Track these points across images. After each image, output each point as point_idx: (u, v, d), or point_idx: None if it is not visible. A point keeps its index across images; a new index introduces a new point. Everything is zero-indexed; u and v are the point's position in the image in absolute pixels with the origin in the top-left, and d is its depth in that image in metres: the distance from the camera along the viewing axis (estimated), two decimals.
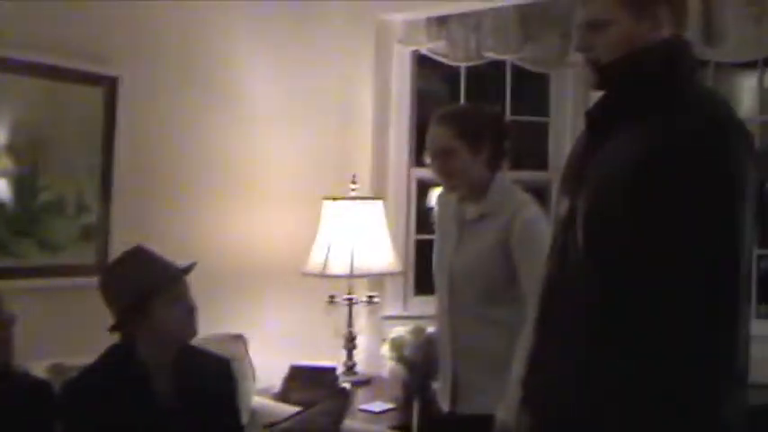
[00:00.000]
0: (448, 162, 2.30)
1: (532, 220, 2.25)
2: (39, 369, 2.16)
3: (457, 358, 2.33)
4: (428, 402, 2.58)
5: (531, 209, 2.30)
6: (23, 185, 2.66)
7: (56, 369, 2.31)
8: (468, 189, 2.35)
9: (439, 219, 2.54)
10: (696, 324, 1.41)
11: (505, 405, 2.10)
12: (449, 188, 2.42)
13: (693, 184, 1.44)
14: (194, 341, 2.22)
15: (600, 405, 1.49)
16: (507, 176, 2.42)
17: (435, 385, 2.55)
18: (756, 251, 2.34)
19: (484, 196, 2.32)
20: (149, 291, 2.03)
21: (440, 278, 2.41)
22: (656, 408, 1.42)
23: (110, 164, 2.89)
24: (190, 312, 2.12)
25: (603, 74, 1.62)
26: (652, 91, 1.57)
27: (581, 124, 1.73)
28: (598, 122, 1.66)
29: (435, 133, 2.34)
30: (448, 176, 2.34)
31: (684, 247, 1.44)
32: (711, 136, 1.47)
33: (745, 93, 3.55)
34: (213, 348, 2.39)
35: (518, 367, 2.01)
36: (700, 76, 1.66)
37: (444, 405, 2.37)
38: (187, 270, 2.13)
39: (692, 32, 1.68)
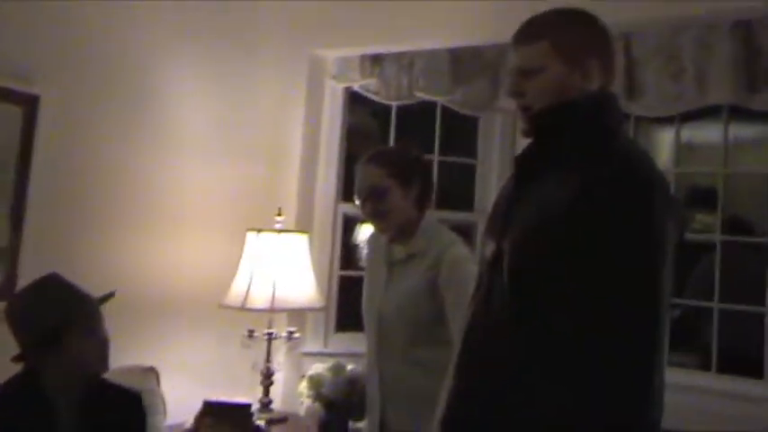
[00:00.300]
0: (379, 202, 2.30)
1: (460, 261, 2.25)
2: None
3: (384, 398, 2.30)
4: None
5: (459, 249, 2.31)
6: None
7: None
8: (398, 229, 2.34)
9: (368, 259, 2.53)
10: (616, 372, 1.43)
11: None
12: (379, 229, 2.41)
13: (617, 234, 1.48)
14: (109, 373, 2.14)
15: None
16: (434, 216, 2.43)
17: (360, 425, 2.52)
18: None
19: (412, 236, 2.33)
20: (62, 321, 1.94)
21: (368, 319, 2.40)
22: None
23: (24, 185, 2.79)
24: (103, 345, 2.04)
25: (534, 121, 1.65)
26: (581, 140, 1.61)
27: (507, 168, 1.77)
28: (526, 168, 1.69)
29: (366, 172, 2.33)
30: (379, 217, 2.34)
31: (607, 295, 1.47)
32: (636, 187, 1.51)
33: (662, 146, 3.67)
34: (123, 381, 2.31)
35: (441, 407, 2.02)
36: (625, 128, 1.71)
37: None
38: (103, 300, 2.06)
39: (615, 86, 1.75)
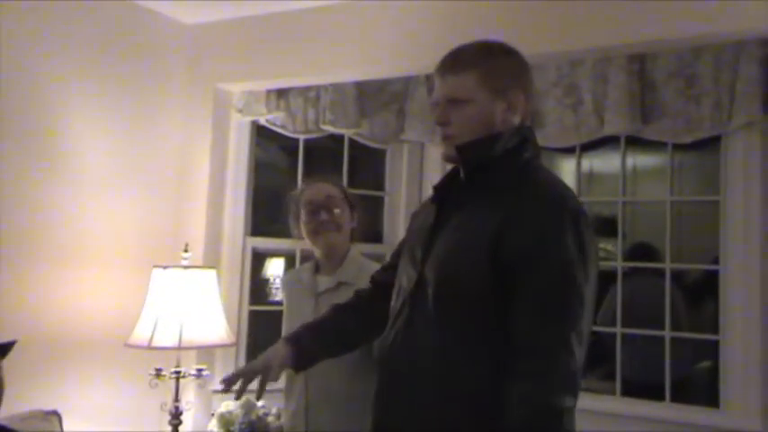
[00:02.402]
0: (332, 211, 2.42)
1: None
2: None
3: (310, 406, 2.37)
4: None
5: None
6: None
7: None
8: (327, 257, 2.46)
9: (288, 295, 2.59)
10: (546, 393, 1.48)
11: None
12: (320, 245, 2.48)
13: (544, 260, 1.53)
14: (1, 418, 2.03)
15: None
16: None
17: None
18: None
19: (340, 266, 2.42)
20: None
21: None
22: None
23: None
24: None
25: (460, 152, 1.68)
26: (506, 172, 1.65)
27: (415, 198, 1.80)
28: (446, 197, 1.72)
29: (322, 186, 2.49)
30: (334, 224, 2.43)
31: (535, 317, 1.52)
32: (565, 213, 1.57)
33: (565, 175, 3.81)
34: (21, 427, 2.21)
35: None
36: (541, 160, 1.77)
37: None
38: (5, 350, 1.96)
39: None
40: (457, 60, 1.70)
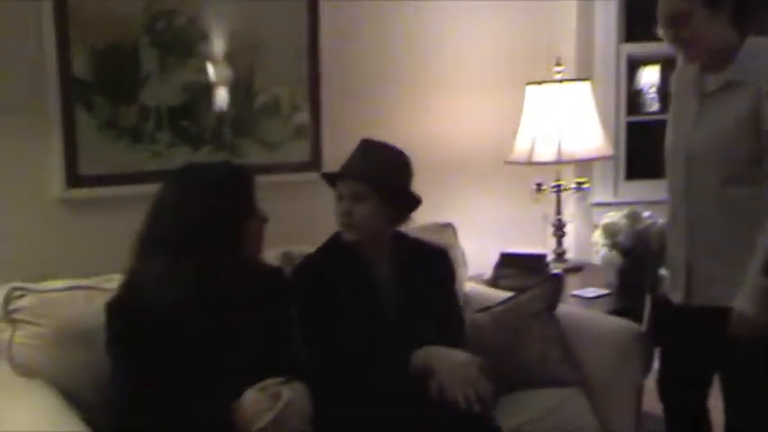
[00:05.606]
0: (681, 29, 2.06)
1: None
2: (270, 257, 2.31)
3: (692, 247, 2.15)
4: (659, 292, 2.46)
5: None
6: (241, 90, 2.81)
7: (285, 257, 2.46)
8: (708, 55, 2.10)
9: (675, 94, 2.30)
10: None
11: (745, 296, 1.99)
12: (686, 58, 2.18)
13: None
14: (411, 230, 2.29)
15: None
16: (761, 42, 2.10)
17: (662, 272, 2.43)
18: None
19: (728, 63, 2.06)
20: None
21: (674, 159, 2.20)
22: None
23: (316, 65, 2.97)
24: None
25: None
26: None
27: None
28: None
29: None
30: (684, 45, 2.11)
31: None
32: None
33: None
34: (426, 237, 2.46)
35: (762, 255, 1.94)
36: None
37: (676, 296, 2.22)
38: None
39: None
40: None
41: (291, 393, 1.76)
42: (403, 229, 2.29)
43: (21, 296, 2.06)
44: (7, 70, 2.33)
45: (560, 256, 3.44)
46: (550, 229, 3.48)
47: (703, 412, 2.37)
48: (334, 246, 2.22)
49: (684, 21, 2.05)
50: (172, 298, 1.77)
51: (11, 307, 2.04)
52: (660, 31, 2.13)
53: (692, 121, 2.15)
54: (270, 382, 1.78)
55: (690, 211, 2.16)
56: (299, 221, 2.75)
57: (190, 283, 1.79)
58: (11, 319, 2.04)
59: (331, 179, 2.21)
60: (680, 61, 2.33)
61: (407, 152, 2.25)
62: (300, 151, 2.96)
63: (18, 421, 1.80)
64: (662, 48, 2.41)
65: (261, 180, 2.00)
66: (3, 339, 2.05)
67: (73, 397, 1.95)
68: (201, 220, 1.83)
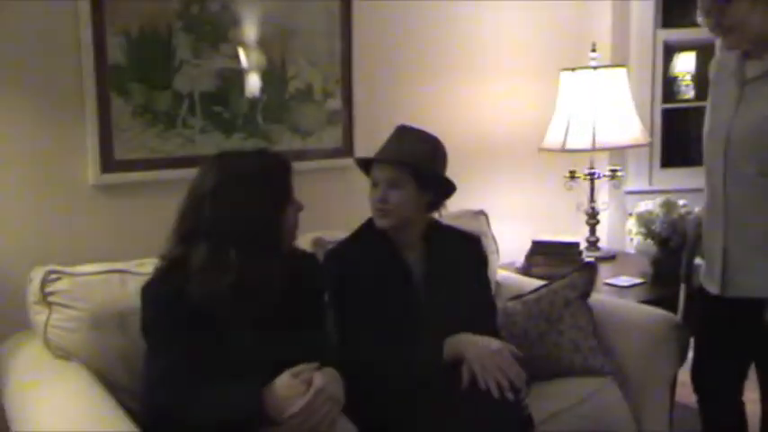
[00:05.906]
0: (723, 17, 2.01)
1: None
2: (302, 243, 2.32)
3: (729, 236, 2.11)
4: (694, 282, 2.42)
5: None
6: (273, 76, 2.81)
7: (317, 242, 2.47)
8: (749, 43, 2.05)
9: (714, 81, 2.25)
10: None
11: None
12: (727, 44, 2.12)
13: None
14: (444, 217, 2.28)
15: None
16: None
17: (697, 261, 2.39)
18: None
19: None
20: None
21: (713, 146, 2.15)
22: None
23: (349, 51, 2.96)
24: None
25: None
26: None
27: None
28: None
29: None
30: (725, 32, 2.05)
31: None
32: None
33: None
34: (458, 224, 2.44)
35: None
36: None
37: (711, 287, 2.19)
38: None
39: None
40: None
41: (324, 379, 1.76)
42: (435, 216, 2.28)
43: (56, 279, 2.08)
44: (44, 57, 2.35)
45: (593, 244, 3.41)
46: (583, 217, 3.45)
47: (738, 404, 2.33)
48: (366, 232, 2.22)
49: (726, 8, 2.00)
50: (214, 286, 1.78)
51: (47, 290, 2.07)
52: (700, 19, 2.08)
53: (731, 108, 2.10)
54: (303, 367, 1.78)
55: (727, 199, 2.11)
56: (330, 207, 2.76)
57: (232, 271, 1.79)
58: (47, 302, 2.07)
59: (366, 165, 2.21)
60: (719, 48, 2.27)
61: (440, 136, 2.24)
62: (332, 137, 2.96)
63: (56, 403, 1.82)
64: (699, 34, 2.37)
65: (293, 166, 2.00)
66: (39, 322, 2.07)
67: (107, 379, 1.98)
68: (243, 209, 1.84)
